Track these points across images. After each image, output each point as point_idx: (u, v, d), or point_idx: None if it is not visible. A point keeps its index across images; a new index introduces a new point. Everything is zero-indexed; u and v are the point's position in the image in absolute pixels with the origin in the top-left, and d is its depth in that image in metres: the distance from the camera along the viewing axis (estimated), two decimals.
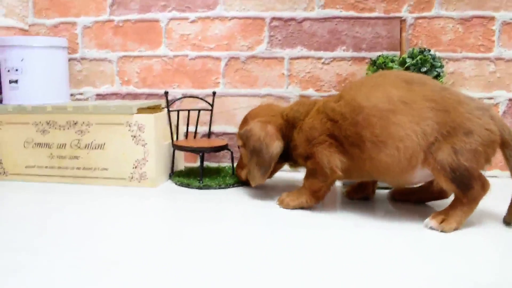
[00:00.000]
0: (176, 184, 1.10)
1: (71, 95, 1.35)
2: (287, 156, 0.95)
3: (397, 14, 1.19)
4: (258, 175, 0.92)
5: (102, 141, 1.09)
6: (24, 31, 1.32)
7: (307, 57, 1.23)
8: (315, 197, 0.88)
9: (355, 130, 0.80)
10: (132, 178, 1.08)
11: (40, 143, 1.12)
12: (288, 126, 0.94)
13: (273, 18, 1.23)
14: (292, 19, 1.23)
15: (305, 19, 1.22)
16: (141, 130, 1.06)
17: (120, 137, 1.07)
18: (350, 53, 1.22)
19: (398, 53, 1.17)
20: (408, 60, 1.04)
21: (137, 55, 1.30)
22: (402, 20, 1.10)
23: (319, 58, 1.23)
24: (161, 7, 1.27)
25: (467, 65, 1.19)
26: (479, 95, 1.20)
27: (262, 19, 1.24)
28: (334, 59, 1.23)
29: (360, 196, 0.97)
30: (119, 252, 0.67)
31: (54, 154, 1.11)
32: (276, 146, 0.90)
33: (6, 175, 1.15)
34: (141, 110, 1.10)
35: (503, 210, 0.82)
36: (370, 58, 1.10)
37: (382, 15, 1.20)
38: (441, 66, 1.05)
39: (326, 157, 0.84)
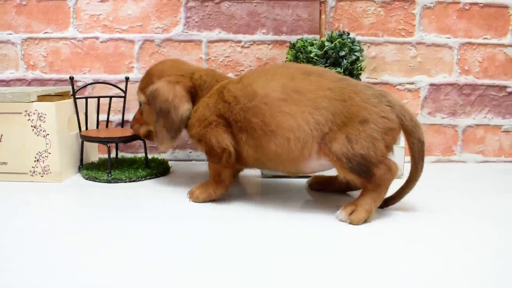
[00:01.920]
0: (84, 177, 1.02)
1: None
2: None
3: None
4: (168, 137, 0.87)
5: None
6: None
7: (226, 40, 1.17)
8: (219, 183, 0.84)
9: (245, 116, 0.78)
10: (34, 172, 0.98)
11: None
12: (195, 91, 0.90)
13: None
14: None
15: (223, 0, 1.16)
16: (42, 119, 0.96)
17: (19, 128, 0.97)
18: (270, 36, 1.17)
19: (318, 36, 1.14)
20: (327, 43, 1.00)
21: (43, 37, 1.19)
22: (321, 2, 1.06)
23: (239, 42, 1.17)
24: None
25: (388, 50, 1.18)
26: (400, 80, 1.19)
27: None
28: (254, 42, 1.17)
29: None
30: (16, 253, 0.60)
31: None
32: (185, 109, 0.86)
33: None
34: (43, 98, 1.01)
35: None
36: (290, 41, 1.06)
37: None
38: (360, 50, 1.02)
39: (214, 137, 0.81)
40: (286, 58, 1.06)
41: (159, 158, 1.15)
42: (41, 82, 1.21)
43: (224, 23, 1.17)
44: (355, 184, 0.86)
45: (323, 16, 1.05)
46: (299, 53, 1.02)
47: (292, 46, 1.04)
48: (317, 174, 0.95)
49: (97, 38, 1.18)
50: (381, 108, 0.74)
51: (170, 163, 1.14)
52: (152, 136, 0.98)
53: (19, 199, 0.86)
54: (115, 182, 0.98)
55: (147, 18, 1.17)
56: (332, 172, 0.82)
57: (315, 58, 1.00)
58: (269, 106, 0.76)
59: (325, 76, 0.78)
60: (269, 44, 1.18)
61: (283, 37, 1.17)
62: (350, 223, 0.73)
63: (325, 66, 0.99)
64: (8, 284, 0.53)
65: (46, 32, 1.19)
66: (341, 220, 0.74)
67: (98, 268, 0.57)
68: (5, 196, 0.88)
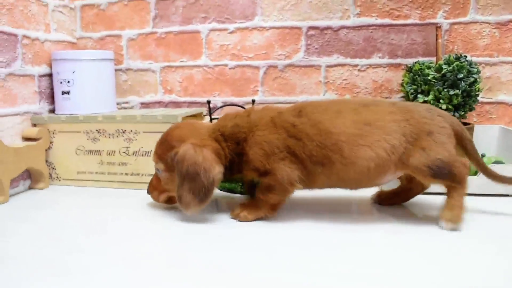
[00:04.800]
0: (219, 189, 1.15)
1: (117, 104, 1.42)
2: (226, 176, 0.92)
3: (432, 21, 1.21)
4: (195, 202, 0.85)
5: (149, 149, 1.15)
6: (72, 44, 1.40)
7: (343, 65, 1.27)
8: (274, 209, 0.89)
9: (322, 152, 0.82)
10: None
11: (91, 150, 1.19)
12: (229, 144, 0.89)
13: (310, 27, 1.27)
14: (328, 27, 1.26)
15: (341, 28, 1.26)
16: None
17: None
18: (386, 60, 1.25)
19: (434, 59, 1.19)
20: (444, 66, 1.06)
21: (179, 65, 1.36)
22: (437, 27, 1.12)
23: (355, 65, 1.26)
24: (202, 19, 1.33)
25: (504, 70, 1.20)
26: None
27: (299, 28, 1.28)
28: (370, 66, 1.26)
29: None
30: (163, 252, 0.73)
31: (104, 160, 1.18)
32: (217, 172, 0.85)
33: (59, 180, 1.23)
34: (184, 119, 1.16)
35: None
36: (406, 65, 1.13)
37: (417, 21, 1.22)
38: (478, 72, 1.06)
39: (286, 174, 0.84)
40: (403, 80, 1.13)
41: None
42: (176, 104, 1.38)
43: (342, 48, 1.26)
44: (423, 187, 0.93)
45: (439, 40, 1.11)
46: (416, 76, 1.08)
47: (409, 69, 1.11)
48: (382, 189, 0.99)
49: (226, 65, 1.33)
50: (437, 120, 0.83)
51: None
52: (173, 201, 0.97)
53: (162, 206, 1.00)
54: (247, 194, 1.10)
55: (271, 47, 1.30)
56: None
57: (433, 80, 1.06)
58: (347, 143, 0.81)
59: (380, 104, 0.85)
60: (384, 67, 1.25)
61: (398, 60, 1.24)
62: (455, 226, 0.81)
63: (443, 88, 1.05)
64: (160, 281, 0.65)
65: (181, 61, 1.36)
66: (450, 229, 0.80)
67: (233, 276, 0.68)
68: (154, 202, 1.03)
